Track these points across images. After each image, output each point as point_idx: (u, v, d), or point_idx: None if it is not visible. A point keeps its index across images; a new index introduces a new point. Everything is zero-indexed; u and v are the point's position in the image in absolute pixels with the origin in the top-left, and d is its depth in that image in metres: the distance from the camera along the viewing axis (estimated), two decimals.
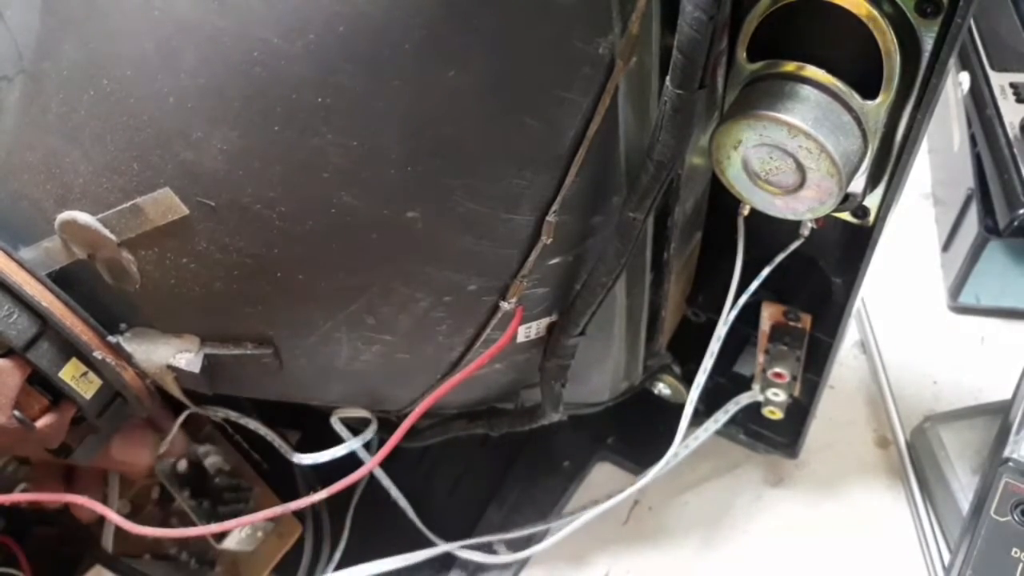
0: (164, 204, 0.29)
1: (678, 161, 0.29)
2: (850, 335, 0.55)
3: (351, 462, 0.40)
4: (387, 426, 0.40)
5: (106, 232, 0.29)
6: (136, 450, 0.41)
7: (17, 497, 0.34)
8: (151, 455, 0.42)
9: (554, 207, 0.30)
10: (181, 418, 0.40)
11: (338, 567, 0.45)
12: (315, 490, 0.37)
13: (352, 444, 0.39)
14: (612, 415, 0.48)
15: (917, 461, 0.49)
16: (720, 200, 0.38)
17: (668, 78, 0.27)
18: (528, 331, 0.35)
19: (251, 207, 0.28)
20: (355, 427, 0.41)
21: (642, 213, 0.30)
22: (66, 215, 0.29)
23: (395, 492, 0.42)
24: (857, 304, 0.56)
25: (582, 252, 0.33)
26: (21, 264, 0.31)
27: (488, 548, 0.46)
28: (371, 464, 0.36)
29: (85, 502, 0.35)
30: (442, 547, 0.44)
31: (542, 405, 0.39)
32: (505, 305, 0.33)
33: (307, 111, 0.26)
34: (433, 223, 0.29)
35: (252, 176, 0.28)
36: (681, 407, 0.42)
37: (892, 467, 0.50)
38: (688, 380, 0.42)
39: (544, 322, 0.35)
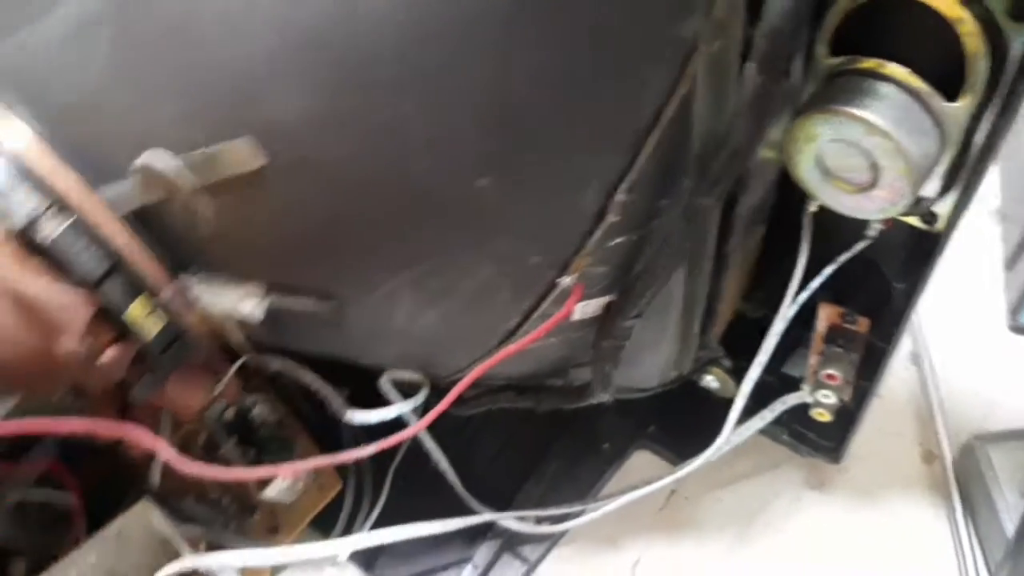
0: (241, 154, 0.29)
1: (752, 149, 0.29)
2: (903, 346, 0.54)
3: (393, 425, 0.40)
4: (434, 392, 0.40)
5: (183, 177, 0.30)
6: (191, 390, 0.41)
7: (75, 426, 0.35)
8: (205, 397, 0.42)
9: (624, 186, 0.30)
10: (238, 363, 0.41)
11: (375, 526, 0.46)
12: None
13: (403, 407, 0.40)
14: (656, 403, 0.48)
15: (962, 479, 0.48)
16: (787, 196, 0.38)
17: (750, 65, 0.27)
18: (585, 309, 0.35)
19: (326, 165, 0.29)
20: (403, 390, 0.42)
21: (712, 199, 0.30)
22: (146, 157, 0.30)
23: (438, 455, 0.43)
24: (913, 315, 0.56)
25: (646, 234, 0.33)
26: (100, 202, 0.32)
27: (523, 520, 0.46)
28: (419, 426, 0.37)
29: (140, 436, 0.36)
30: (484, 516, 0.45)
31: (591, 384, 0.39)
32: (565, 281, 0.33)
33: (389, 75, 0.27)
34: (503, 193, 0.30)
35: (330, 134, 0.28)
36: (727, 401, 0.42)
37: (936, 482, 0.49)
38: (737, 375, 0.42)
39: (602, 301, 0.35)
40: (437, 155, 0.28)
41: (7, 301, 0.31)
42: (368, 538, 0.45)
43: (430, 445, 0.43)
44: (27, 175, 0.31)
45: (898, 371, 0.53)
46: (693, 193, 0.31)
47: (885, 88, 0.31)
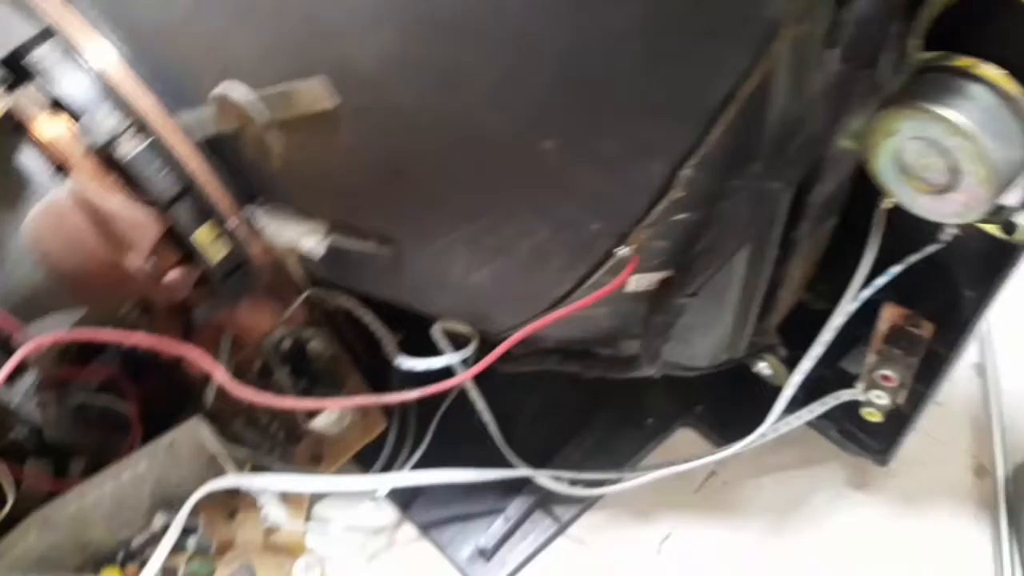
0: (315, 92, 0.30)
1: (829, 137, 0.29)
2: (969, 356, 0.53)
3: (440, 374, 0.41)
4: (483, 346, 0.41)
5: (257, 110, 0.31)
6: (261, 315, 0.43)
7: (140, 340, 0.36)
8: (273, 322, 0.44)
9: (692, 161, 0.30)
10: (305, 294, 0.42)
11: (414, 469, 0.47)
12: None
13: (452, 358, 0.41)
14: (706, 384, 0.48)
15: (1013, 497, 0.47)
16: (862, 190, 0.37)
17: (835, 50, 0.26)
18: (639, 282, 0.35)
19: (397, 109, 0.29)
20: (454, 340, 0.42)
21: (783, 183, 0.30)
22: (224, 87, 0.31)
23: (482, 406, 0.43)
24: (982, 326, 0.54)
25: (711, 213, 0.32)
26: (177, 126, 0.32)
27: (558, 480, 0.47)
28: (465, 376, 0.37)
29: (198, 356, 0.37)
30: (521, 471, 0.45)
31: (639, 357, 0.39)
32: (622, 251, 0.33)
33: (466, 23, 0.27)
34: (567, 156, 0.29)
35: (403, 79, 0.29)
36: (778, 390, 0.42)
37: (984, 498, 0.48)
38: (792, 364, 0.42)
39: (657, 276, 0.35)
40: (504, 108, 0.28)
41: (85, 213, 0.32)
42: (407, 477, 0.46)
43: (475, 396, 0.43)
44: (110, 94, 0.32)
45: (960, 380, 0.52)
46: (764, 176, 0.30)
47: (975, 89, 0.29)
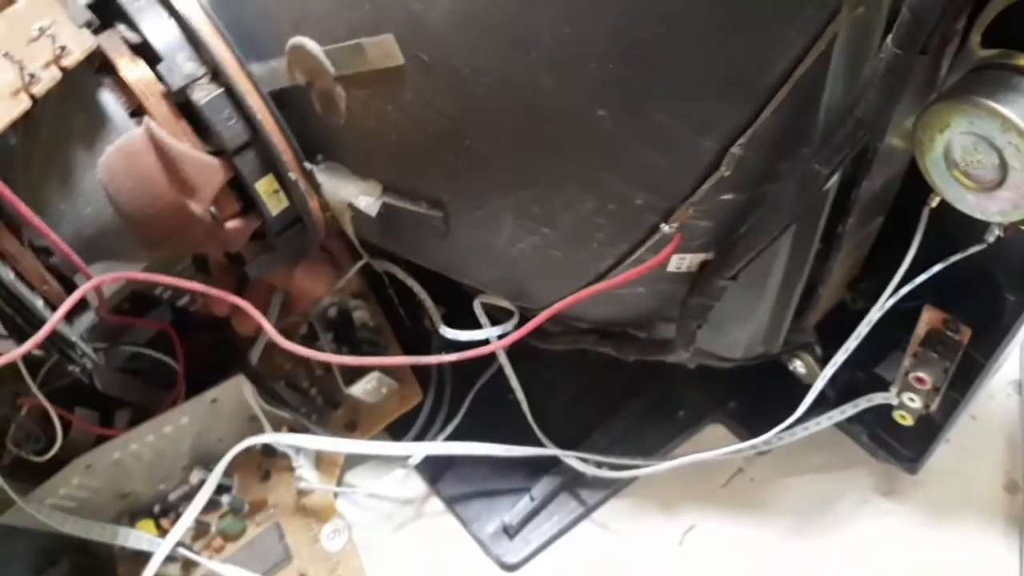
0: (384, 49, 0.31)
1: (880, 124, 0.29)
2: (1008, 372, 0.52)
3: (479, 347, 0.42)
4: (522, 323, 0.42)
5: (327, 63, 0.32)
6: (317, 280, 0.45)
7: (196, 287, 0.37)
8: (328, 288, 0.45)
9: (741, 140, 0.30)
10: (361, 262, 0.43)
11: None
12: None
13: (492, 331, 0.42)
14: (740, 380, 0.48)
15: None
16: (911, 190, 0.38)
17: (890, 36, 0.27)
18: (680, 262, 0.36)
19: (460, 70, 0.30)
20: (495, 316, 0.43)
21: (829, 168, 0.30)
22: (297, 40, 0.32)
23: (514, 381, 0.44)
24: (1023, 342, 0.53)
25: (757, 196, 0.33)
26: (249, 76, 0.34)
27: (585, 462, 0.47)
28: (497, 345, 0.38)
29: (250, 310, 0.38)
30: (550, 450, 0.46)
31: (675, 340, 0.39)
32: (665, 228, 0.33)
33: None
34: (619, 126, 0.30)
35: (468, 41, 0.30)
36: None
37: (1014, 515, 0.47)
38: (826, 364, 0.42)
39: (699, 257, 0.36)
40: (561, 75, 0.29)
41: (156, 155, 0.34)
42: (438, 447, 0.47)
43: (508, 371, 0.44)
44: (190, 41, 0.33)
45: (998, 396, 0.52)
46: (812, 160, 0.31)
47: None
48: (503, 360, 0.43)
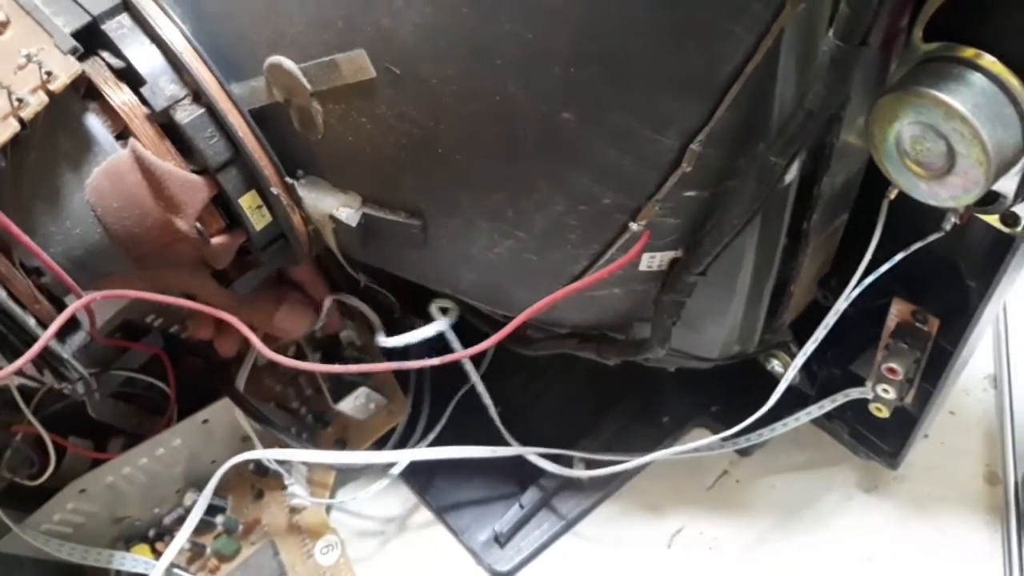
0: (357, 64, 0.33)
1: (829, 114, 0.31)
2: (984, 367, 0.53)
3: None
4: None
5: (304, 80, 0.34)
6: (297, 320, 0.46)
7: (182, 301, 0.38)
8: (309, 326, 0.46)
9: (700, 136, 0.32)
10: (333, 297, 0.45)
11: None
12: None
13: (440, 325, 0.42)
14: (721, 384, 0.49)
15: None
16: (872, 186, 0.39)
17: (831, 29, 0.28)
18: (651, 261, 0.37)
19: (428, 81, 0.32)
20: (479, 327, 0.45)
21: (784, 159, 0.32)
22: (274, 59, 0.34)
23: (475, 377, 0.45)
24: (998, 339, 0.55)
25: (720, 192, 0.34)
26: (230, 96, 0.35)
27: (569, 464, 0.48)
28: (467, 352, 0.40)
29: (236, 323, 0.39)
30: (532, 448, 0.47)
31: (651, 338, 0.40)
32: (634, 226, 0.35)
33: None
34: (584, 128, 0.32)
35: (436, 52, 0.31)
36: (792, 389, 0.43)
37: (995, 506, 0.48)
38: (805, 364, 0.43)
39: (669, 255, 0.37)
40: (526, 80, 0.31)
41: (142, 174, 0.35)
42: (422, 452, 0.48)
43: (474, 377, 0.45)
44: (173, 64, 0.35)
45: (975, 391, 0.53)
46: (767, 151, 0.32)
47: (974, 77, 0.31)
48: (469, 368, 0.44)
